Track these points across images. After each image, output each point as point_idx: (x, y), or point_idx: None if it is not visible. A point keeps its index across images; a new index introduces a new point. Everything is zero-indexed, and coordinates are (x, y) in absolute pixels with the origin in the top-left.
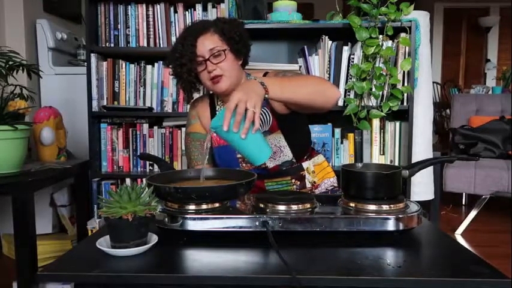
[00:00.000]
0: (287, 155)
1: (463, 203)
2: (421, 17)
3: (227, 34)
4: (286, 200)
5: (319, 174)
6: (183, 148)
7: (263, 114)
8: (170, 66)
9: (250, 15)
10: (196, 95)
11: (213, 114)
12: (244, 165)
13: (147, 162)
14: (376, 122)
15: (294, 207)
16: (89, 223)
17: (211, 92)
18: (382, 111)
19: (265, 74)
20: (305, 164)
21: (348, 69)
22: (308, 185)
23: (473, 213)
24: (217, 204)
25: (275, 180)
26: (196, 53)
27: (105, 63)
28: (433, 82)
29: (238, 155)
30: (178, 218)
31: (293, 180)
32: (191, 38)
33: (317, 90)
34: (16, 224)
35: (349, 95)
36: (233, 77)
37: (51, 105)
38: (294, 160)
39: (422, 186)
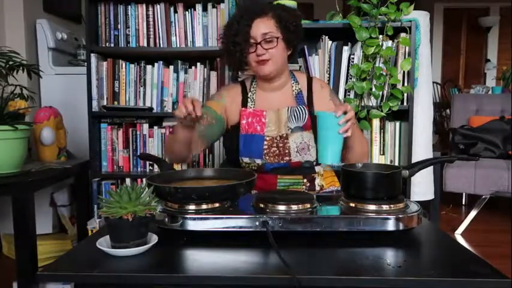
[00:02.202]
0: (312, 155)
1: (463, 203)
2: (421, 17)
3: (283, 22)
4: (286, 200)
5: (327, 179)
6: None
7: (300, 110)
8: (222, 41)
9: None
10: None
11: (244, 100)
12: (267, 157)
13: (147, 162)
14: (376, 122)
15: (294, 207)
16: (89, 223)
17: (243, 79)
18: (382, 111)
19: (310, 79)
20: (317, 168)
21: (348, 69)
22: (317, 187)
23: (473, 213)
24: (217, 204)
25: (288, 177)
26: (250, 34)
27: (105, 63)
28: (433, 82)
29: (265, 146)
30: (178, 218)
31: (304, 180)
32: (248, 19)
33: (362, 152)
34: (16, 224)
35: (349, 95)
36: (279, 64)
37: (51, 105)
38: (314, 163)
39: (422, 186)
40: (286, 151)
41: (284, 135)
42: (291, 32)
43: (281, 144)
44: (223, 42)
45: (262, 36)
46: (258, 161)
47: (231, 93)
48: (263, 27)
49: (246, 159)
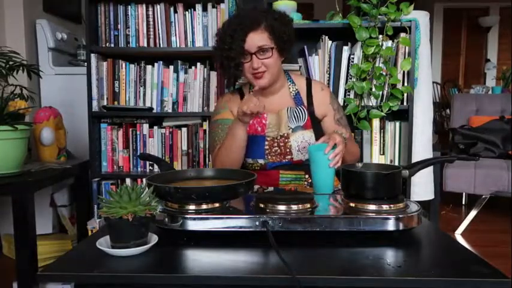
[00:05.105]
0: None
1: (463, 203)
2: (421, 17)
3: (277, 33)
4: (286, 200)
5: None
6: (183, 148)
7: (300, 111)
8: (216, 53)
9: None
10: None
11: None
12: (269, 157)
13: (147, 162)
14: (376, 122)
15: (294, 207)
16: (89, 223)
17: (238, 86)
18: (382, 111)
19: (309, 81)
20: None
21: (348, 69)
22: None
23: (473, 213)
24: (217, 204)
25: (290, 172)
26: (245, 48)
27: (105, 63)
28: (433, 82)
29: (266, 146)
30: (178, 218)
31: (306, 176)
32: (241, 33)
33: (352, 160)
34: (16, 224)
35: (349, 95)
36: (274, 74)
37: (51, 105)
38: None
39: (422, 186)
40: (288, 150)
41: (285, 135)
42: (284, 41)
43: (282, 144)
44: (217, 54)
45: (257, 48)
46: (261, 161)
47: (230, 103)
48: (257, 39)
49: (249, 160)
